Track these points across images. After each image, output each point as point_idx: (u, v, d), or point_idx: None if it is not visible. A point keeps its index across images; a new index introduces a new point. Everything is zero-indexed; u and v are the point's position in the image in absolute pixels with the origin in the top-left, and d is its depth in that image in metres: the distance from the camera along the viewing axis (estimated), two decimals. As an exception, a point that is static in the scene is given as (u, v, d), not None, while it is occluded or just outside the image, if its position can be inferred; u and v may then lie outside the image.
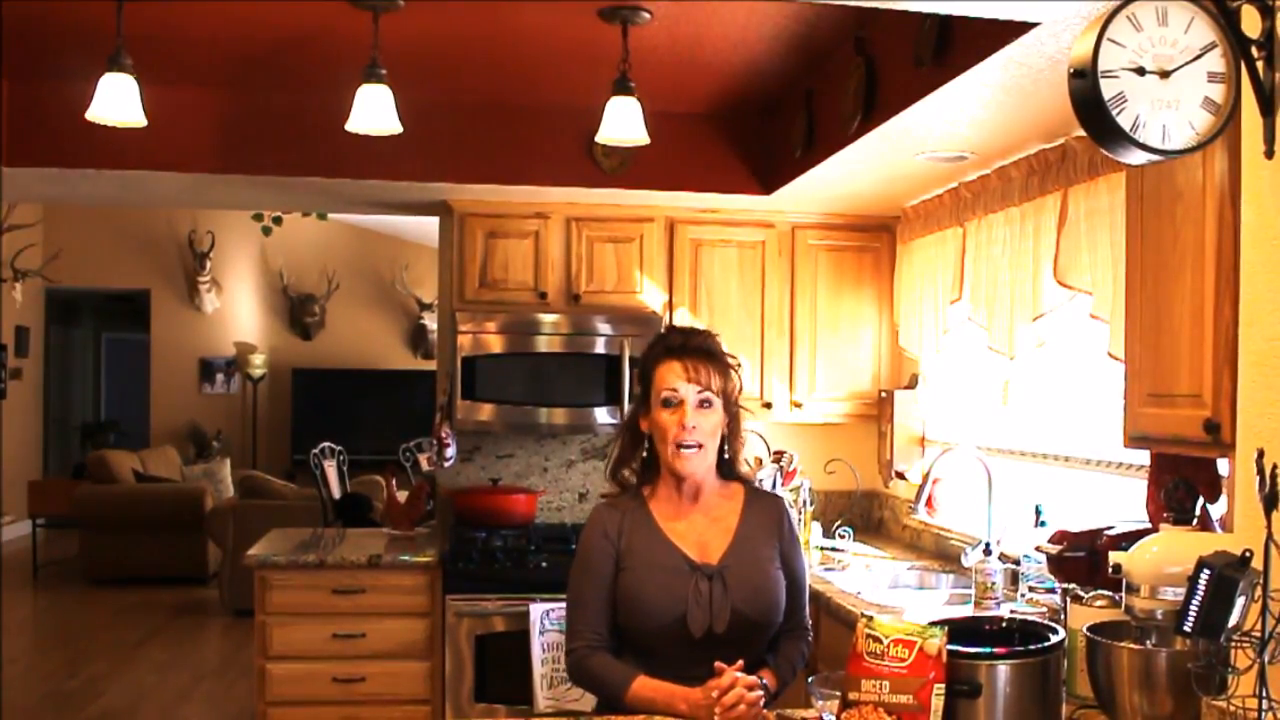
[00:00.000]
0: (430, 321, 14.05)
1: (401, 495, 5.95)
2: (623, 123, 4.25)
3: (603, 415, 5.59)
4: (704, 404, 2.84)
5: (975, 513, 4.85)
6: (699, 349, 2.88)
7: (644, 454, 2.94)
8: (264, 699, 5.06)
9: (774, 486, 5.38)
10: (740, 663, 2.67)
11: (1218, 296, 2.60)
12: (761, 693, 2.65)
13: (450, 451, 5.73)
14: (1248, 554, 1.98)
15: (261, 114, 5.26)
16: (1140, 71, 2.18)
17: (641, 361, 2.97)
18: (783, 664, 2.90)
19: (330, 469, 8.62)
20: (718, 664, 2.64)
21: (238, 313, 14.46)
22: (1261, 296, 2.27)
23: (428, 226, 6.69)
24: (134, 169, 5.20)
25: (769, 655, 2.89)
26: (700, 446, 2.84)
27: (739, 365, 2.97)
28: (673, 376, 2.84)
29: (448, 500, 5.89)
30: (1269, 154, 2.22)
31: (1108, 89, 2.16)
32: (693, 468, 2.85)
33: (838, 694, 2.46)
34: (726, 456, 2.94)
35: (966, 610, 4.17)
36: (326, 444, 8.73)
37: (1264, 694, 1.99)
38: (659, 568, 2.82)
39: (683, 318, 5.69)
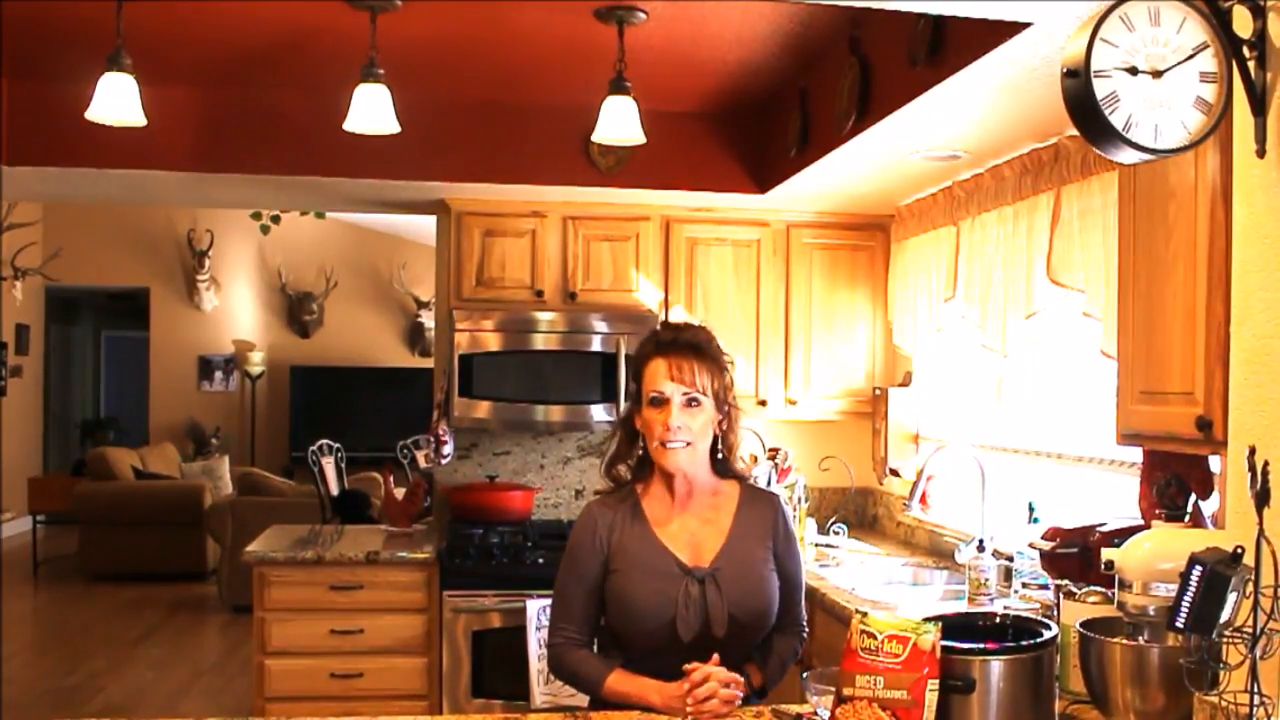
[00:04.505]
0: (427, 319, 14.04)
1: (399, 492, 5.96)
2: (619, 122, 4.26)
3: (599, 413, 5.61)
4: (691, 403, 2.79)
5: (969, 509, 4.87)
6: (687, 345, 2.83)
7: (639, 452, 2.91)
8: (262, 694, 5.07)
9: (769, 484, 5.39)
10: (715, 657, 2.68)
11: (1210, 294, 2.61)
12: (737, 689, 2.67)
13: (448, 449, 5.74)
14: (1239, 550, 1.99)
15: (260, 113, 5.27)
16: (1133, 71, 2.19)
17: (634, 358, 2.93)
18: (772, 660, 2.90)
19: (328, 466, 8.67)
20: (687, 666, 2.66)
21: (236, 311, 14.46)
22: (1253, 294, 2.28)
23: (425, 225, 6.70)
24: (133, 168, 5.21)
25: (756, 651, 2.89)
26: (688, 444, 2.81)
27: (733, 362, 2.93)
28: (659, 376, 2.80)
29: (445, 497, 5.91)
30: (1260, 153, 2.23)
31: (1100, 88, 2.18)
32: (678, 463, 2.82)
33: (832, 689, 2.47)
34: (721, 455, 2.91)
35: (960, 606, 4.18)
36: (325, 441, 8.77)
37: (1256, 689, 2.00)
38: (649, 570, 2.80)
39: (679, 316, 5.70)
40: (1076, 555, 3.34)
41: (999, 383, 4.80)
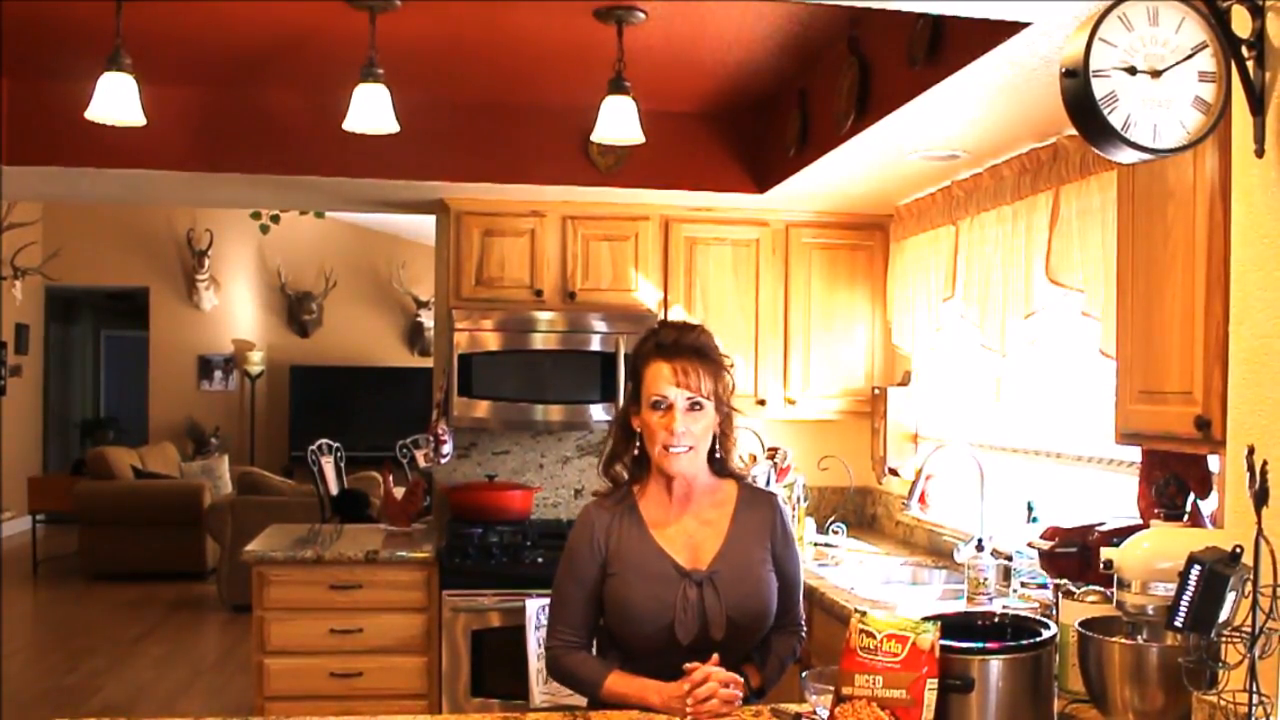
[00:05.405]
0: (427, 319, 14.04)
1: (398, 491, 5.97)
2: (618, 122, 4.26)
3: (598, 412, 5.61)
4: (694, 407, 2.79)
5: (968, 509, 4.87)
6: (689, 349, 2.81)
7: (636, 451, 2.90)
8: (262, 694, 5.08)
9: (768, 483, 5.40)
10: (715, 657, 2.69)
11: (1208, 294, 2.61)
12: (737, 689, 2.67)
13: (447, 448, 5.74)
14: (1238, 550, 1.99)
15: (259, 113, 5.27)
16: (1131, 71, 2.19)
17: (632, 357, 2.92)
18: (770, 660, 2.90)
19: (328, 465, 8.66)
20: (687, 666, 2.67)
21: (236, 310, 14.46)
22: (1251, 294, 2.28)
23: (424, 225, 6.70)
24: (133, 168, 5.22)
25: (755, 652, 2.89)
26: (690, 448, 2.81)
27: (732, 364, 2.93)
28: (662, 380, 2.78)
29: (444, 496, 5.91)
30: (1259, 153, 2.23)
31: (1099, 88, 2.18)
32: (681, 468, 2.82)
33: (831, 689, 2.47)
34: (719, 455, 2.91)
35: (959, 606, 4.19)
36: (324, 440, 8.76)
37: (1254, 689, 2.00)
38: (647, 575, 2.80)
39: (678, 315, 5.70)
40: (1075, 554, 3.34)
41: (998, 382, 4.81)
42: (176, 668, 8.04)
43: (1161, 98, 2.20)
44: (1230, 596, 1.99)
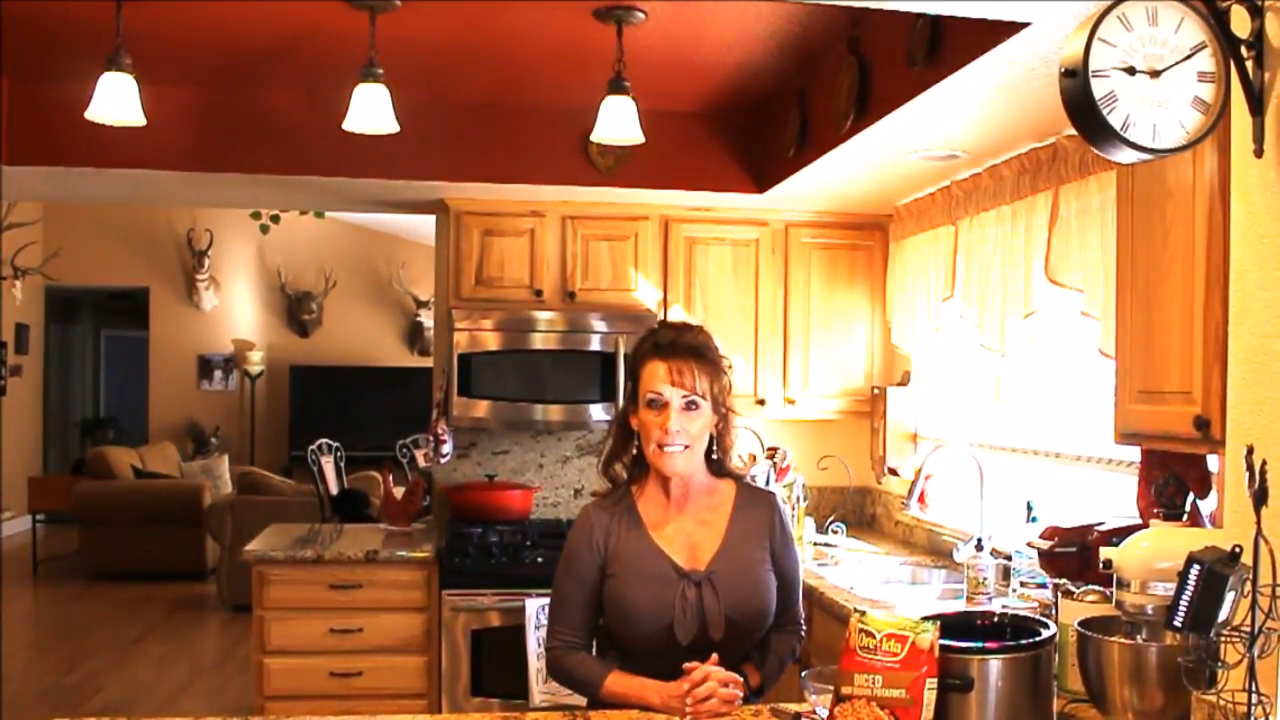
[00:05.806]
0: (427, 319, 14.05)
1: (398, 491, 5.97)
2: (617, 122, 4.26)
3: (597, 412, 5.61)
4: (689, 406, 2.79)
5: (967, 508, 4.87)
6: (687, 348, 2.81)
7: (634, 450, 2.91)
8: (262, 693, 5.08)
9: (767, 483, 5.40)
10: (714, 657, 2.69)
11: (1208, 294, 2.62)
12: (737, 689, 2.67)
13: (446, 448, 5.74)
14: (1237, 549, 1.99)
15: (259, 113, 5.27)
16: (1131, 71, 2.20)
17: (631, 357, 2.93)
18: (770, 659, 2.90)
19: (328, 465, 8.65)
20: (687, 665, 2.67)
21: (236, 310, 14.46)
22: (1251, 294, 2.28)
23: (424, 225, 6.70)
24: (133, 168, 5.22)
25: (755, 651, 2.89)
26: (686, 448, 2.81)
27: (730, 365, 2.93)
28: (657, 379, 2.79)
29: (444, 496, 5.91)
30: (1258, 153, 2.23)
31: (1098, 88, 2.18)
32: (675, 467, 2.82)
33: (831, 688, 2.47)
34: (716, 456, 2.91)
35: (958, 605, 4.19)
36: (324, 440, 8.75)
37: (1253, 688, 2.00)
38: (646, 575, 2.80)
39: (677, 315, 5.70)
40: (1075, 554, 3.34)
41: (997, 382, 4.80)
42: (176, 668, 8.05)
43: (1161, 98, 2.20)
44: (1229, 596, 1.99)
